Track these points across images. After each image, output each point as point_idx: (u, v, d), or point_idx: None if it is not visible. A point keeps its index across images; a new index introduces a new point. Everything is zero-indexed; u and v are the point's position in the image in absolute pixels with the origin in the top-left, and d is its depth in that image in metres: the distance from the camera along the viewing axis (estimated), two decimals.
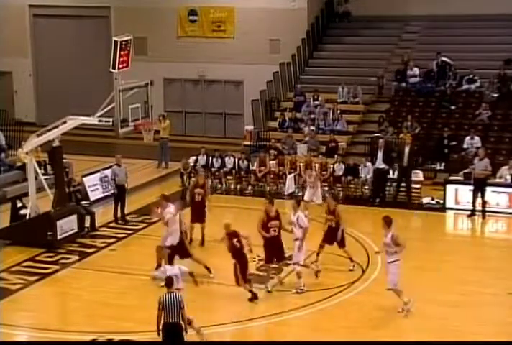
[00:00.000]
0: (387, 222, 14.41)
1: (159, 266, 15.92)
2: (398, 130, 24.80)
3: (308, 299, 14.96)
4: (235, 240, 15.07)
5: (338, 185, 22.89)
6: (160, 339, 12.20)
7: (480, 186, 20.67)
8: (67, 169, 22.69)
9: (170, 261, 14.01)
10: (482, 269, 16.98)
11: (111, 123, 17.77)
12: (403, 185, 22.07)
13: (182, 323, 12.10)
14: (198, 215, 18.35)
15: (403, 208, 21.49)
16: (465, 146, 23.87)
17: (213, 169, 24.11)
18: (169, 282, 12.30)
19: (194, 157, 24.64)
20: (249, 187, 23.64)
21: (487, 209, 20.80)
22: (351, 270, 16.75)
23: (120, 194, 20.41)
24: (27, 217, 18.66)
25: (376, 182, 22.27)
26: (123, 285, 16.09)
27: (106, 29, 31.62)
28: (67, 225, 18.64)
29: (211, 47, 30.55)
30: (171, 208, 16.23)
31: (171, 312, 11.97)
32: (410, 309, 14.36)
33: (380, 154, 22.17)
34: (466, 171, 21.69)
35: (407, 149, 21.96)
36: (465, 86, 26.58)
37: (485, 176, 20.76)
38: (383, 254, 14.62)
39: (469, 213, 20.83)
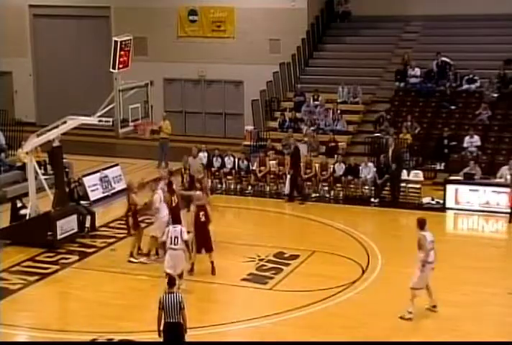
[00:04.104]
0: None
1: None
2: (397, 130, 24.82)
3: (308, 299, 14.95)
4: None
5: (338, 185, 22.90)
6: (160, 339, 12.20)
7: None
8: (67, 169, 22.69)
9: None
10: (482, 269, 16.96)
11: (111, 123, 17.74)
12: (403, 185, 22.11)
13: (182, 323, 12.09)
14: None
15: (402, 208, 21.53)
16: (465, 145, 23.93)
17: (213, 169, 24.10)
18: (170, 282, 12.29)
19: None
20: (249, 187, 23.59)
21: (487, 209, 20.89)
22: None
23: None
24: (27, 217, 18.65)
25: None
26: (123, 285, 16.08)
27: (106, 29, 31.58)
28: (67, 225, 18.62)
29: (211, 47, 30.51)
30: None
31: (171, 312, 11.93)
32: None
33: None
34: (465, 170, 21.75)
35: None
36: (465, 86, 26.56)
37: None
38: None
39: None
